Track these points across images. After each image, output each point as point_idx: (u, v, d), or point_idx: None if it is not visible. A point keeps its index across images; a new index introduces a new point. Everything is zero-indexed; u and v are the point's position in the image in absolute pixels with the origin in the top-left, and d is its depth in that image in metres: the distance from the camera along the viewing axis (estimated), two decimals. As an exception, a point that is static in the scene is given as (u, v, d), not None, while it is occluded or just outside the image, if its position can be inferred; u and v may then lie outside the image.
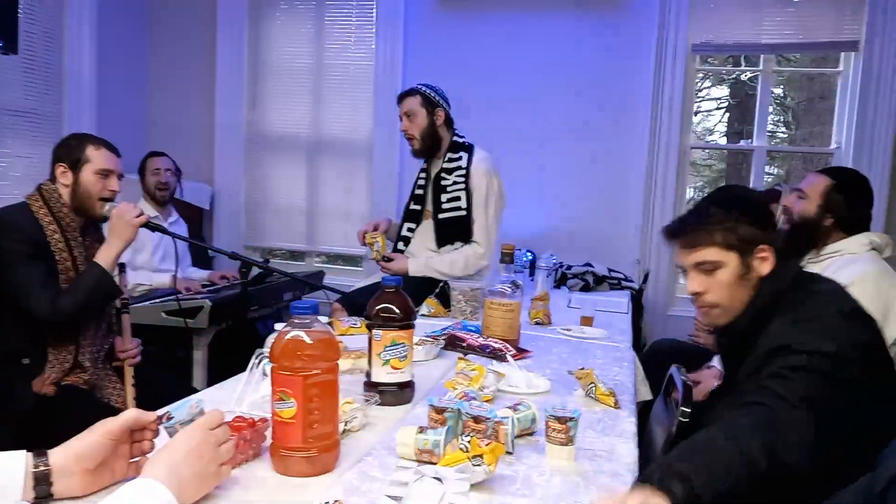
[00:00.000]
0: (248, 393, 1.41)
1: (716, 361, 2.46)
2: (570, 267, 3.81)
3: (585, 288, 3.68)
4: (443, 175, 2.92)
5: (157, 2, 4.73)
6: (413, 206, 3.06)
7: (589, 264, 3.84)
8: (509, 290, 2.03)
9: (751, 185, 4.08)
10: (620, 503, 1.03)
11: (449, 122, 2.98)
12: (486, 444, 1.07)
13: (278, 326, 1.29)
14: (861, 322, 1.43)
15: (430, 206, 2.98)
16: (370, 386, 1.48)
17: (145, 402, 1.09)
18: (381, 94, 4.30)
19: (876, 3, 3.65)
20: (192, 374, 3.06)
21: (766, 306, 1.46)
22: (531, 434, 1.31)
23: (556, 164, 4.18)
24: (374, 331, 1.45)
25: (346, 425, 1.26)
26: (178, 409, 1.10)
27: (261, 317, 3.54)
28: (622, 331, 2.47)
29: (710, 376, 2.33)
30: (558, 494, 1.07)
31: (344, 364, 1.61)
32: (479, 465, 1.03)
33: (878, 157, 3.69)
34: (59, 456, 0.94)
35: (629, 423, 1.44)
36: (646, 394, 2.14)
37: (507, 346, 1.93)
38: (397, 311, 1.45)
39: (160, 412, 1.08)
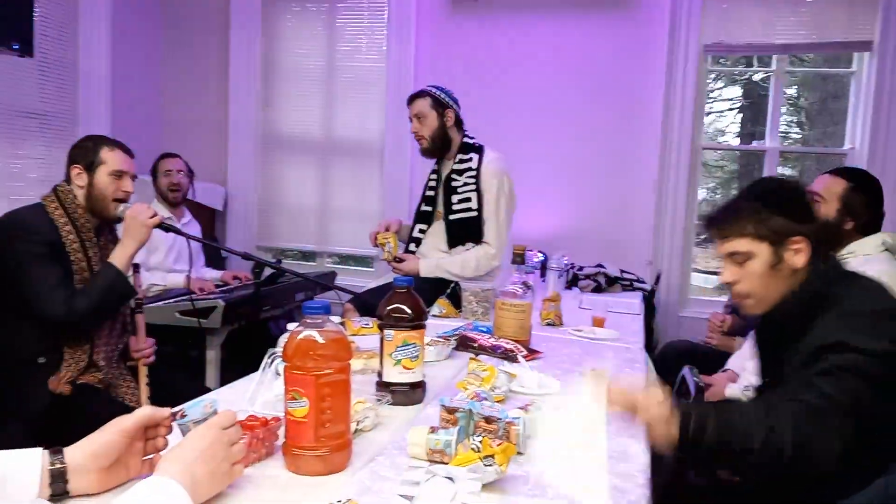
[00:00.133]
0: (261, 392, 1.42)
1: (731, 364, 2.45)
2: (581, 268, 3.81)
3: (597, 289, 3.68)
4: (453, 176, 2.93)
5: (170, 4, 4.77)
6: (424, 208, 3.06)
7: (601, 265, 3.83)
8: (520, 290, 2.03)
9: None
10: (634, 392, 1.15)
11: (459, 123, 2.98)
12: (498, 445, 1.07)
13: (291, 326, 1.30)
14: None
15: (441, 208, 2.98)
16: (382, 386, 1.48)
17: (159, 402, 1.10)
18: (392, 96, 4.31)
19: (889, 3, 3.62)
20: (206, 373, 3.08)
21: (812, 300, 1.45)
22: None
23: (567, 164, 4.17)
24: (385, 331, 1.46)
25: (358, 425, 1.26)
26: (192, 407, 1.11)
27: (273, 317, 3.56)
28: (634, 332, 2.46)
29: (723, 379, 2.32)
30: (569, 495, 1.07)
31: (356, 364, 1.62)
32: (490, 465, 1.03)
33: (893, 158, 3.66)
34: (74, 454, 0.95)
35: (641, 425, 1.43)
36: (658, 395, 2.13)
37: (519, 346, 1.93)
38: (409, 311, 1.45)
39: (174, 410, 1.09)
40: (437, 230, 2.97)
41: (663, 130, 3.99)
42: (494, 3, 4.22)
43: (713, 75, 4.50)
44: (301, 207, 4.72)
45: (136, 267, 2.27)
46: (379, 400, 1.39)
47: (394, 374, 1.46)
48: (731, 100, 5.12)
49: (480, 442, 1.08)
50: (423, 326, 1.49)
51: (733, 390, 2.09)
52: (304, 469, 1.09)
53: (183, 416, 1.10)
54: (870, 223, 2.22)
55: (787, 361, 1.44)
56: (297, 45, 4.65)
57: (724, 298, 2.64)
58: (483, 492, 1.02)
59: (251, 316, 3.26)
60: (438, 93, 2.95)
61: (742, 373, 2.27)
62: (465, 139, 2.98)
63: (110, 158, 2.21)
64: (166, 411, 1.06)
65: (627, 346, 2.20)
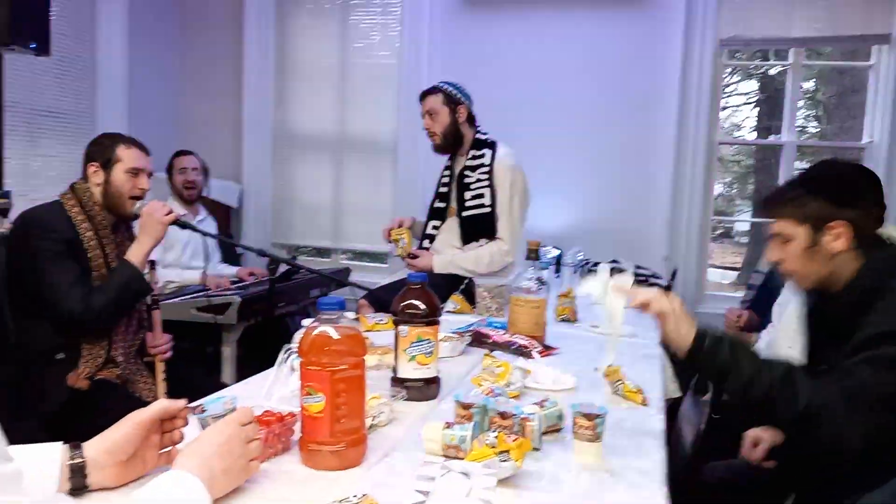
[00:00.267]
0: (277, 388, 1.42)
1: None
2: (596, 263, 3.78)
3: (612, 285, 3.65)
4: (466, 172, 2.92)
5: (185, 2, 4.79)
6: (438, 204, 3.06)
7: (616, 261, 3.81)
8: (535, 286, 2.02)
9: (780, 181, 4.02)
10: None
11: (471, 119, 2.98)
12: (513, 440, 1.07)
13: (306, 322, 1.31)
14: None
15: (454, 204, 2.98)
16: (396, 381, 1.48)
17: (176, 397, 1.11)
18: (405, 93, 4.31)
19: (910, -6, 3.58)
20: (222, 369, 3.10)
21: (869, 290, 1.45)
22: (558, 431, 1.31)
23: (582, 160, 4.16)
24: (399, 327, 1.46)
25: (373, 420, 1.27)
26: (212, 403, 1.12)
27: (288, 313, 3.57)
28: (650, 328, 2.45)
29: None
30: (585, 491, 1.07)
31: (370, 360, 1.62)
32: (505, 460, 1.03)
33: (912, 152, 3.62)
34: (92, 448, 0.96)
35: (657, 421, 1.43)
36: (674, 391, 2.12)
37: (533, 342, 1.93)
38: (423, 307, 1.45)
39: (194, 404, 1.10)
40: (451, 226, 2.97)
41: (679, 126, 3.96)
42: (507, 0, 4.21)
43: (729, 69, 4.46)
44: (315, 204, 4.73)
45: (153, 264, 2.29)
46: (394, 395, 1.40)
47: (408, 370, 1.46)
48: (747, 94, 5.08)
49: (496, 437, 1.08)
50: (437, 322, 1.49)
51: None
52: (319, 464, 1.10)
53: (203, 411, 1.11)
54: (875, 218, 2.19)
55: (838, 349, 1.43)
56: (310, 42, 4.66)
57: (741, 294, 2.62)
58: (498, 487, 1.02)
59: (267, 312, 3.27)
60: (450, 89, 2.94)
61: None
62: (478, 135, 2.97)
63: (126, 156, 2.23)
64: (181, 403, 1.06)
65: (644, 342, 2.19)
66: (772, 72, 4.74)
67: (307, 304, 3.63)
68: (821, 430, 1.28)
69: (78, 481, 0.94)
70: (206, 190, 3.78)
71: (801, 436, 1.33)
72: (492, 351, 1.87)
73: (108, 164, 2.21)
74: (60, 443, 0.95)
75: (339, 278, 3.42)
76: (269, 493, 1.02)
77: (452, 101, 2.92)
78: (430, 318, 1.46)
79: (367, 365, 1.14)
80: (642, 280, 3.72)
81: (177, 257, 3.52)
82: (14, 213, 2.21)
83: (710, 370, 1.37)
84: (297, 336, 1.45)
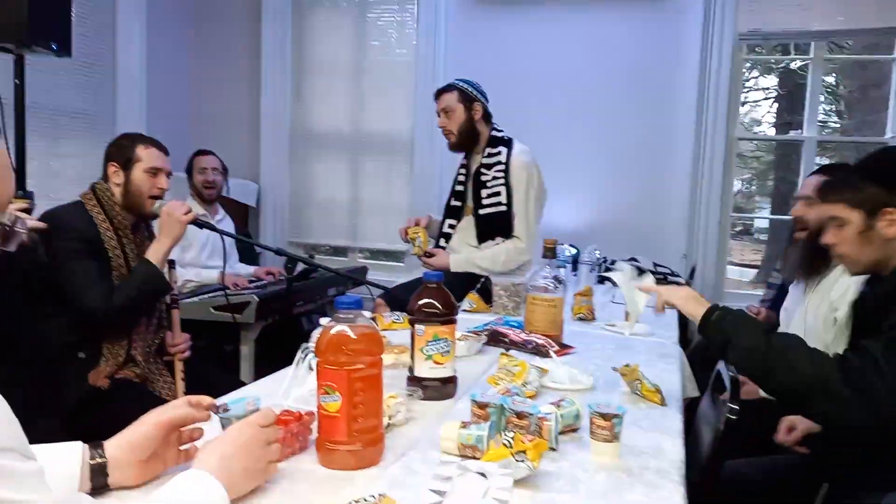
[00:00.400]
0: (295, 387, 1.43)
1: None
2: (614, 261, 3.76)
3: (630, 283, 3.63)
4: (482, 170, 2.92)
5: (204, 3, 4.82)
6: (453, 203, 3.06)
7: (633, 259, 3.79)
8: (552, 285, 2.01)
9: (800, 177, 3.98)
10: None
11: (487, 116, 2.97)
12: (530, 440, 1.07)
13: (323, 321, 1.31)
14: None
15: (470, 202, 2.97)
16: (413, 381, 1.49)
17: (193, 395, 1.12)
18: (421, 91, 4.31)
19: (934, -14, 3.52)
20: (240, 367, 3.12)
21: None
22: (575, 431, 1.30)
23: (599, 157, 4.13)
24: (416, 326, 1.46)
25: (389, 419, 1.27)
26: (235, 403, 1.14)
27: (306, 312, 3.59)
28: (668, 326, 2.43)
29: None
30: (603, 491, 1.07)
31: (387, 359, 1.62)
32: (522, 460, 1.03)
33: (936, 147, 3.55)
34: (113, 447, 0.97)
35: (675, 421, 1.42)
36: (692, 391, 2.11)
37: (550, 341, 1.92)
38: (439, 306, 1.45)
39: (217, 403, 1.10)
40: (467, 225, 2.97)
41: (697, 121, 3.92)
42: (524, -4, 4.19)
43: (748, 64, 4.41)
44: (332, 203, 4.75)
45: (172, 263, 2.31)
46: (410, 395, 1.40)
47: (425, 369, 1.47)
48: (766, 89, 5.02)
49: (512, 437, 1.08)
50: (453, 321, 1.49)
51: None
52: (336, 463, 1.10)
53: (226, 411, 1.12)
54: None
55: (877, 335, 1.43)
56: (327, 40, 4.67)
57: (761, 293, 2.59)
58: (515, 487, 1.02)
59: (284, 311, 3.29)
60: (466, 86, 2.94)
61: None
62: (494, 132, 2.97)
63: (146, 156, 2.25)
64: (206, 401, 1.07)
65: (662, 341, 2.18)
66: (792, 66, 4.68)
67: (324, 302, 3.65)
68: (815, 404, 1.33)
69: (99, 481, 0.95)
70: (226, 189, 3.81)
71: (797, 408, 1.43)
72: (508, 350, 1.87)
73: (127, 164, 2.23)
74: (81, 442, 0.96)
75: (356, 277, 3.44)
76: (287, 492, 1.02)
77: (468, 99, 2.92)
78: (447, 316, 1.47)
79: (383, 364, 1.15)
80: (660, 278, 3.70)
81: (195, 257, 3.55)
82: (36, 214, 2.23)
83: (715, 340, 1.48)
84: (315, 335, 1.46)
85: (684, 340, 2.24)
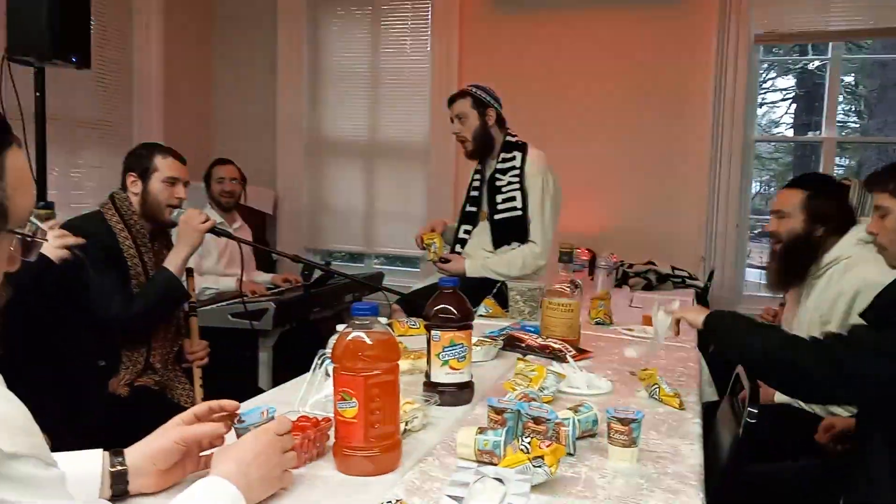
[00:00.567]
0: (312, 393, 1.43)
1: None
2: (631, 265, 3.75)
3: (648, 287, 3.61)
4: (497, 176, 2.91)
5: (218, 13, 4.87)
6: (469, 208, 3.06)
7: (651, 262, 3.76)
8: (568, 289, 2.00)
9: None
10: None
11: (501, 121, 2.96)
12: (547, 446, 1.06)
13: (340, 328, 1.31)
14: None
15: (485, 208, 2.97)
16: (430, 386, 1.48)
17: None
18: (436, 97, 4.32)
19: (954, -17, 3.47)
20: (258, 374, 3.14)
21: None
22: (593, 436, 1.30)
23: (615, 160, 4.12)
24: (432, 331, 1.46)
25: (406, 425, 1.27)
26: (250, 413, 1.14)
27: (323, 318, 3.60)
28: (686, 330, 2.41)
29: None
30: (621, 496, 1.06)
31: (403, 364, 1.62)
32: (539, 466, 1.02)
33: (959, 146, 3.51)
34: (134, 456, 0.98)
35: (694, 425, 1.41)
36: (711, 395, 2.09)
37: (567, 346, 1.91)
38: (455, 311, 1.45)
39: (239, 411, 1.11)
40: (483, 230, 2.96)
41: (714, 124, 3.90)
42: (537, 0, 4.19)
43: (765, 65, 4.38)
44: (348, 210, 4.77)
45: (190, 271, 2.33)
46: (427, 400, 1.40)
47: (441, 375, 1.46)
48: (784, 90, 4.97)
49: (529, 443, 1.07)
50: (469, 327, 1.49)
51: (781, 395, 2.04)
52: (354, 469, 1.10)
53: (241, 422, 1.12)
54: (841, 223, 2.14)
55: None
56: (342, 48, 4.70)
57: (780, 295, 2.57)
58: (532, 493, 1.01)
59: (301, 317, 3.31)
60: (479, 92, 2.93)
61: None
62: (508, 137, 2.96)
63: (163, 165, 2.27)
64: (226, 426, 1.07)
65: (680, 345, 2.16)
66: (810, 66, 4.63)
67: (341, 309, 3.66)
68: (778, 374, 1.48)
69: (119, 488, 0.96)
70: (243, 197, 3.84)
71: (763, 377, 1.55)
72: (525, 355, 1.86)
73: (145, 174, 2.26)
74: (101, 450, 0.97)
75: (373, 283, 3.44)
76: (304, 497, 1.03)
77: (481, 105, 2.91)
78: (463, 322, 1.46)
79: (400, 370, 1.15)
80: (678, 281, 3.68)
81: (213, 264, 3.57)
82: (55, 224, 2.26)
83: (713, 339, 1.66)
84: (332, 341, 1.46)
85: (703, 344, 2.22)
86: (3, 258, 0.75)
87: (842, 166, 4.36)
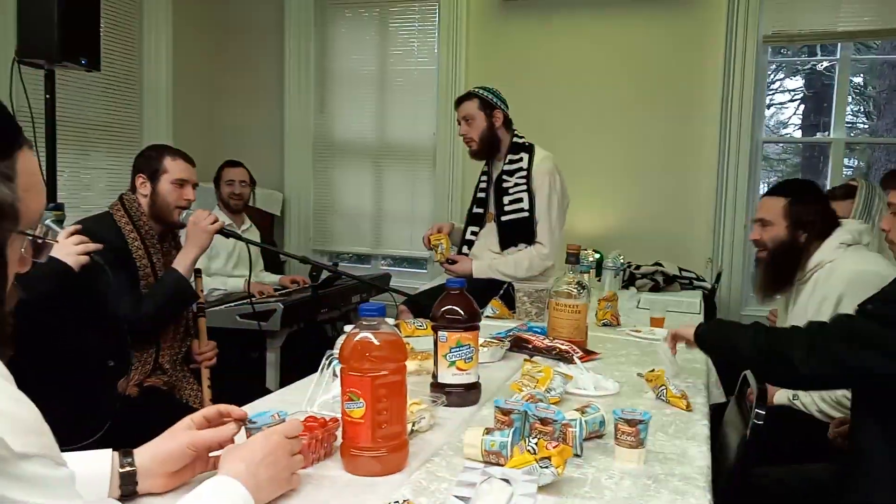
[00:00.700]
0: (319, 393, 1.44)
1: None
2: (638, 267, 3.74)
3: (655, 288, 3.60)
4: (504, 177, 2.91)
5: (226, 16, 4.89)
6: (476, 210, 3.06)
7: (658, 264, 3.76)
8: (575, 290, 2.01)
9: (828, 180, 3.93)
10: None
11: (507, 123, 2.96)
12: (554, 447, 1.06)
13: (347, 328, 1.32)
14: None
15: (492, 209, 2.97)
16: (437, 387, 1.49)
17: (220, 403, 1.14)
18: (444, 98, 4.33)
19: (964, -17, 3.45)
20: (266, 374, 3.15)
21: None
22: (600, 437, 1.30)
23: (622, 161, 4.11)
24: (439, 332, 1.47)
25: (413, 426, 1.27)
26: (260, 415, 1.15)
27: (330, 319, 3.61)
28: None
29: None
30: (628, 497, 1.06)
31: (410, 365, 1.63)
32: (546, 467, 1.03)
33: (969, 147, 3.48)
34: (144, 457, 0.99)
35: (702, 426, 1.41)
36: (719, 396, 2.08)
37: (574, 347, 1.91)
38: (462, 312, 1.45)
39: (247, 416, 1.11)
40: (489, 232, 2.96)
41: (722, 125, 3.89)
42: (545, 2, 4.19)
43: (774, 66, 4.36)
44: (355, 211, 4.78)
45: (198, 272, 2.34)
46: (434, 401, 1.40)
47: (448, 376, 1.47)
48: (792, 91, 4.96)
49: (536, 444, 1.07)
50: (476, 328, 1.49)
51: (780, 396, 2.04)
52: (361, 469, 1.11)
53: (252, 423, 1.13)
54: (824, 227, 2.14)
55: None
56: (349, 50, 4.71)
57: (769, 303, 2.57)
58: (539, 494, 1.02)
59: (309, 318, 3.31)
60: (485, 94, 2.94)
61: None
62: (515, 139, 2.97)
63: (172, 167, 2.28)
64: (236, 428, 1.07)
65: (687, 348, 2.15)
66: (819, 67, 4.61)
67: (348, 310, 3.67)
68: (764, 366, 1.51)
69: (128, 488, 0.97)
70: (252, 199, 3.85)
71: (754, 373, 1.56)
72: (532, 356, 1.86)
73: (154, 176, 2.27)
74: (111, 450, 0.97)
75: (380, 284, 3.45)
76: (312, 497, 1.03)
77: (488, 106, 2.92)
78: (470, 323, 1.47)
79: (407, 371, 1.15)
80: (686, 283, 3.67)
81: (221, 266, 3.59)
82: (66, 225, 2.28)
83: (705, 349, 1.71)
84: (339, 342, 1.47)
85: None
86: (14, 260, 0.76)
87: (850, 167, 4.34)
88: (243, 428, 1.16)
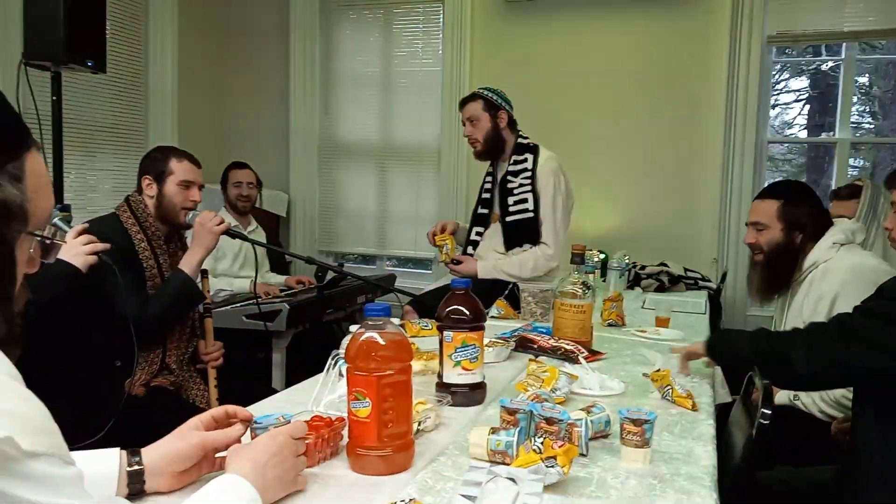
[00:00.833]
0: (325, 393, 1.44)
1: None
2: (643, 267, 3.74)
3: (660, 288, 3.60)
4: (509, 178, 2.92)
5: (231, 18, 4.90)
6: (480, 210, 3.06)
7: (664, 264, 3.75)
8: (580, 291, 2.01)
9: (833, 180, 3.92)
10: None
11: (512, 123, 2.97)
12: (560, 446, 1.06)
13: (353, 328, 1.32)
14: None
15: (497, 210, 2.98)
16: (442, 387, 1.49)
17: (227, 403, 1.14)
18: (448, 99, 4.33)
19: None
20: (272, 375, 3.15)
21: None
22: (606, 437, 1.30)
23: (627, 161, 4.11)
24: (444, 332, 1.47)
25: (419, 425, 1.27)
26: (266, 417, 1.15)
27: (336, 319, 3.61)
28: (700, 332, 2.41)
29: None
30: (633, 497, 1.06)
31: (416, 365, 1.63)
32: (552, 466, 1.03)
33: (975, 146, 3.47)
34: (151, 456, 0.99)
35: (707, 426, 1.41)
36: (725, 396, 2.08)
37: (580, 347, 1.92)
38: (467, 312, 1.46)
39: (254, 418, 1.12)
40: (494, 232, 2.97)
41: (727, 125, 3.88)
42: (549, 3, 4.19)
43: (778, 66, 4.35)
44: (360, 212, 4.79)
45: (205, 273, 2.35)
46: (440, 401, 1.40)
47: (453, 376, 1.47)
48: (797, 91, 4.94)
49: (542, 443, 1.08)
50: (482, 328, 1.49)
51: (781, 396, 2.04)
52: (367, 469, 1.11)
53: (258, 424, 1.13)
54: (818, 227, 2.14)
55: None
56: (354, 52, 4.73)
57: (766, 305, 2.57)
58: (545, 493, 1.02)
59: (315, 319, 3.32)
60: (490, 94, 2.94)
61: None
62: (520, 140, 2.97)
63: (179, 169, 2.29)
64: (243, 429, 1.08)
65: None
66: (824, 67, 4.60)
67: (354, 310, 3.67)
68: (765, 367, 1.50)
69: (136, 487, 0.97)
70: (258, 200, 3.86)
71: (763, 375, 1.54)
72: (537, 356, 1.86)
73: (160, 177, 2.28)
74: (118, 448, 0.98)
75: (385, 284, 3.45)
76: (318, 497, 1.03)
77: (492, 107, 2.92)
78: (475, 323, 1.47)
79: (412, 370, 1.15)
80: (691, 283, 3.66)
81: (227, 267, 3.59)
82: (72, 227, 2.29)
83: (719, 359, 1.78)
84: (345, 342, 1.47)
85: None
86: (23, 260, 0.76)
87: (855, 167, 4.32)
88: (250, 431, 1.17)
